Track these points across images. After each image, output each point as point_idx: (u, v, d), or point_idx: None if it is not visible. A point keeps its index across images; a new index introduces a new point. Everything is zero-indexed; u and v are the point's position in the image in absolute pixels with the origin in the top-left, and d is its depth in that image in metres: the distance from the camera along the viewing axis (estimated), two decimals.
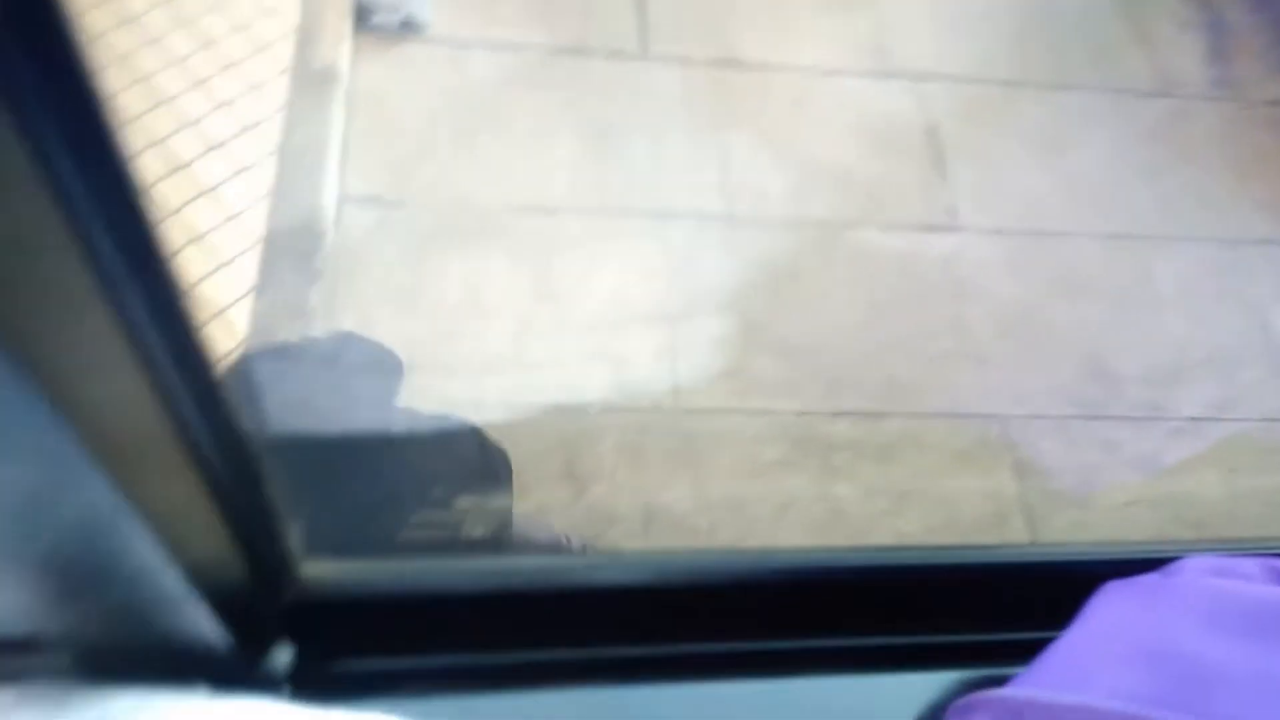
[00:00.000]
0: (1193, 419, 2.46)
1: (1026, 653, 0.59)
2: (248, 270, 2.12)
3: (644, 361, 2.27)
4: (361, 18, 2.66)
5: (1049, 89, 3.04)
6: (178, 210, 2.15)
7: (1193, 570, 0.59)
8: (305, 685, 0.61)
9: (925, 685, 0.69)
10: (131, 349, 0.38)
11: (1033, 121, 2.95)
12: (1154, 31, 3.27)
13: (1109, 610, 0.59)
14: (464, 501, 1.28)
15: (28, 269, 0.32)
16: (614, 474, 2.09)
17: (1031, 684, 0.55)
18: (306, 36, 2.49)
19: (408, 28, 2.71)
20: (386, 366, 1.48)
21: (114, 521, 0.41)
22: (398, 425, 1.20)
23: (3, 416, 0.34)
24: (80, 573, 0.45)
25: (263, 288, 2.10)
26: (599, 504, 2.04)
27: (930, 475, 2.24)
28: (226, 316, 2.05)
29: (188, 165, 2.22)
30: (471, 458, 1.32)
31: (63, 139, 0.30)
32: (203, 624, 0.51)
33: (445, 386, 2.15)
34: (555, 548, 1.83)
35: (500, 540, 1.33)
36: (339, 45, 2.51)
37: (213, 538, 0.51)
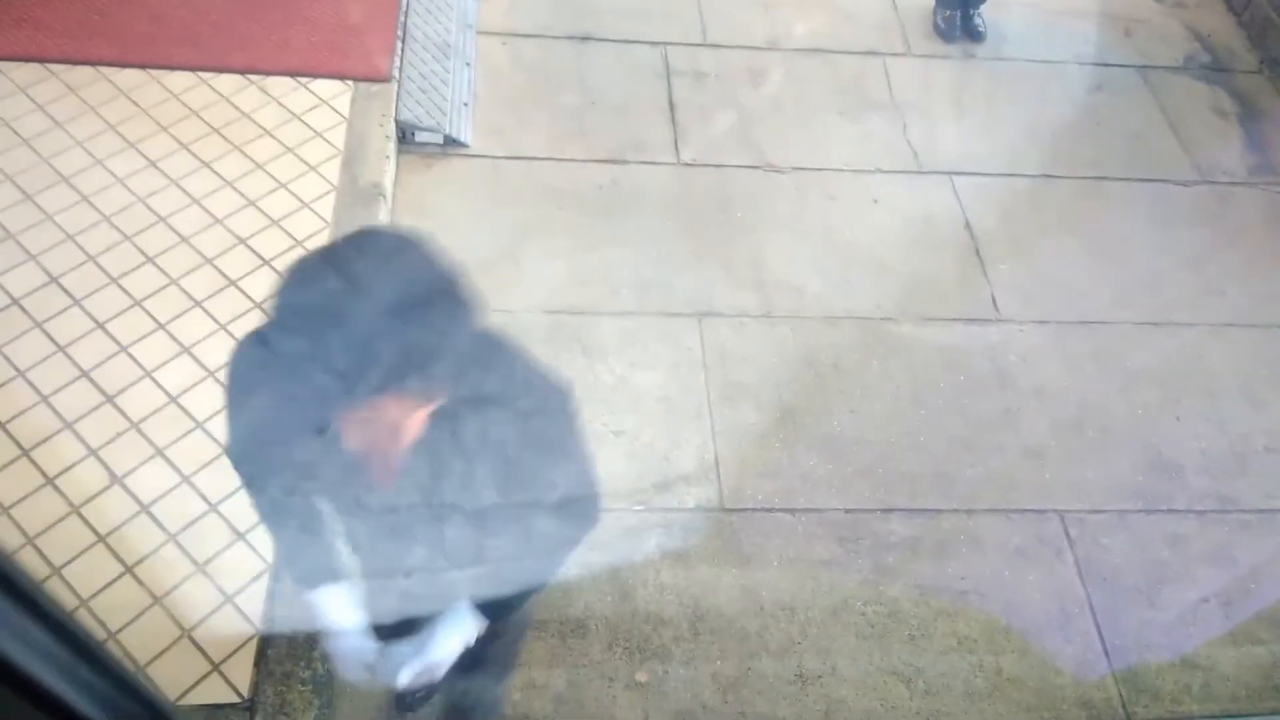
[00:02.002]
0: (1261, 511, 2.35)
1: None
2: None
3: (687, 461, 2.24)
4: (405, 137, 2.76)
5: (1084, 180, 3.04)
6: (227, 325, 2.20)
7: None
8: None
9: None
10: None
11: (1069, 212, 2.94)
12: (1188, 121, 3.28)
13: None
14: None
15: None
16: (659, 577, 2.03)
17: None
18: (352, 156, 2.58)
19: (450, 145, 2.81)
20: None
21: None
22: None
23: None
24: None
25: None
26: (644, 608, 1.97)
27: (989, 574, 2.16)
28: None
29: (238, 281, 2.28)
30: None
31: None
32: None
33: None
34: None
35: None
36: (383, 164, 2.60)
37: None
